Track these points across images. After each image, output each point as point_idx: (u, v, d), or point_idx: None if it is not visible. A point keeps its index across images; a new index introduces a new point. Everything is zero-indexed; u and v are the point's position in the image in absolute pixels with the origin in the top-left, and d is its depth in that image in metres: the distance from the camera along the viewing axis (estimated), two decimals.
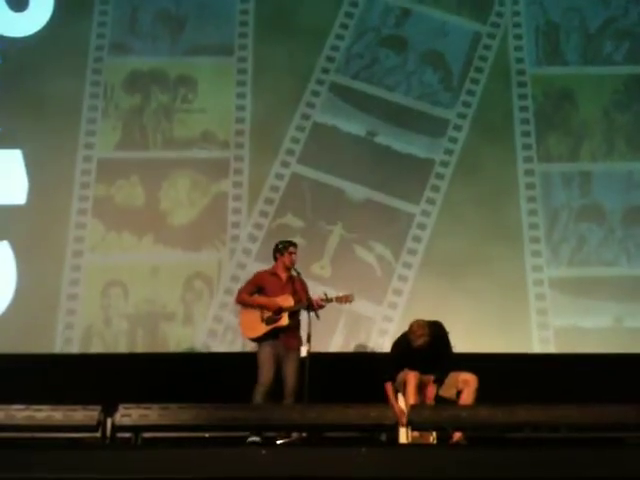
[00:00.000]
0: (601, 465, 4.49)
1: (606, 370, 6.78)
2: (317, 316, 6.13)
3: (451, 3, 8.17)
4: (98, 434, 4.82)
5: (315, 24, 8.05)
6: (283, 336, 6.19)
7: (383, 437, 5.22)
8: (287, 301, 6.22)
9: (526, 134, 7.85)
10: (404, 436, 5.47)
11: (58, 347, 7.17)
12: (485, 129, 7.78)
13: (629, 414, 4.84)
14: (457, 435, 5.51)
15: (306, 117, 7.79)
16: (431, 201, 7.53)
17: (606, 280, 7.38)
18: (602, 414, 4.84)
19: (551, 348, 7.15)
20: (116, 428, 4.83)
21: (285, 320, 6.18)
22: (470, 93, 7.88)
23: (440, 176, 7.61)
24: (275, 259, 6.47)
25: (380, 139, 7.73)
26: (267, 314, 6.19)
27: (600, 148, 7.75)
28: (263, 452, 4.67)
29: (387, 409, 5.15)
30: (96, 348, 7.26)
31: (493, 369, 6.34)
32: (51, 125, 7.67)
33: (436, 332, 6.07)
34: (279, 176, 7.62)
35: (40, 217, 7.46)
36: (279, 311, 6.17)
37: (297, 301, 6.23)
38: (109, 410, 4.88)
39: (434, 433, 5.50)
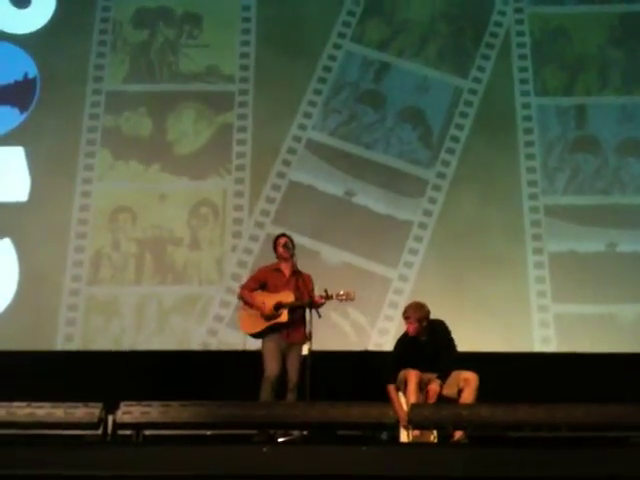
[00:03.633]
0: (603, 464, 4.40)
1: (608, 369, 6.60)
2: (319, 315, 5.91)
3: (431, 57, 7.77)
4: (99, 431, 4.70)
5: (292, 78, 7.73)
6: (285, 331, 5.98)
7: (384, 435, 5.09)
8: (287, 297, 6.00)
9: (523, 69, 7.80)
10: (405, 435, 5.29)
11: (60, 337, 7.12)
12: (465, 189, 7.42)
13: (632, 413, 4.65)
14: (458, 434, 5.29)
15: (281, 175, 7.44)
16: (409, 265, 7.16)
17: (600, 208, 7.40)
18: (604, 413, 4.66)
19: (545, 273, 7.22)
20: (117, 425, 4.69)
21: (285, 316, 5.95)
22: (450, 151, 7.52)
23: (418, 239, 7.28)
24: (275, 254, 6.28)
25: (358, 199, 7.36)
26: (267, 310, 5.99)
27: (595, 82, 7.78)
28: (264, 450, 4.54)
29: (388, 408, 4.93)
30: (105, 272, 7.32)
31: (494, 367, 6.14)
32: (62, 56, 7.82)
33: (437, 328, 5.85)
34: (253, 237, 7.39)
35: (42, 213, 7.40)
36: (278, 307, 5.99)
37: (297, 298, 6.04)
38: (110, 407, 4.71)
39: (435, 432, 5.27)
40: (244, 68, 7.83)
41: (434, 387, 5.61)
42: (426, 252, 7.22)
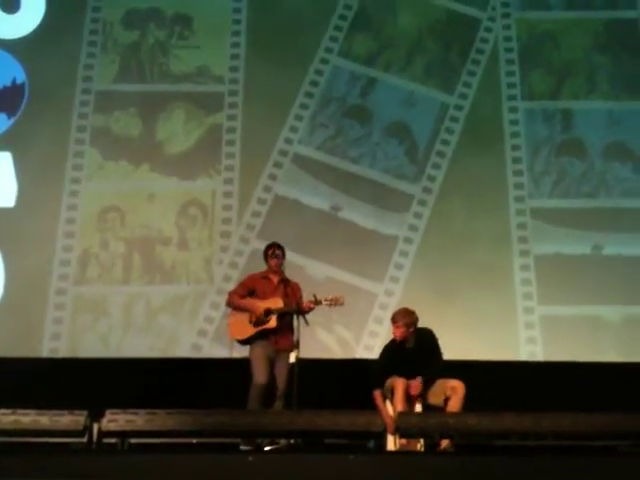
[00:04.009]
0: (589, 473, 4.44)
1: (595, 378, 6.57)
2: (306, 322, 5.87)
3: (417, 72, 7.72)
4: (84, 439, 4.67)
5: (280, 92, 7.67)
6: (273, 337, 5.92)
7: (371, 444, 5.00)
8: (276, 303, 5.95)
9: (511, 74, 7.78)
10: (392, 443, 5.25)
11: (47, 335, 7.07)
12: (451, 203, 7.37)
13: (618, 422, 4.69)
14: (444, 442, 5.25)
15: (268, 189, 7.37)
16: (395, 280, 7.07)
17: (586, 211, 7.39)
18: (591, 422, 4.68)
19: (531, 275, 7.20)
20: (102, 433, 4.67)
21: (273, 322, 5.89)
22: (436, 167, 7.46)
23: (404, 253, 7.20)
24: (265, 261, 6.23)
25: (344, 214, 7.29)
26: (255, 316, 5.96)
27: (582, 87, 7.78)
28: (250, 458, 4.56)
29: (375, 416, 4.91)
30: (92, 272, 7.25)
31: (481, 376, 6.12)
32: (51, 59, 7.76)
33: (424, 337, 5.79)
34: (239, 252, 7.29)
35: (30, 218, 7.33)
36: (268, 313, 5.93)
37: (286, 304, 5.99)
38: (96, 415, 4.69)
39: (422, 440, 5.23)
40: (234, 69, 7.83)
41: (416, 383, 5.60)
42: (412, 267, 7.12)
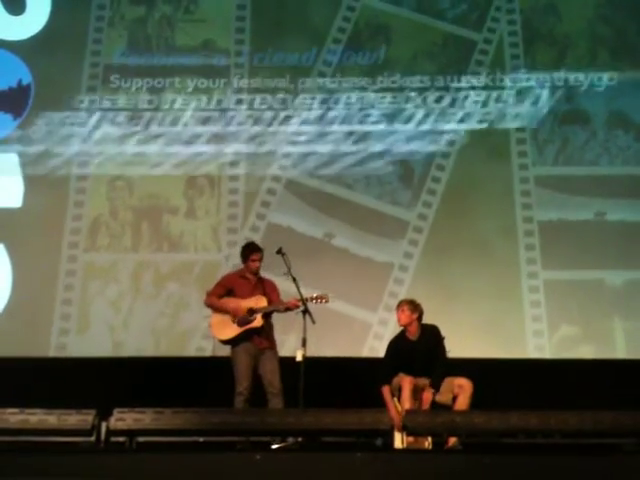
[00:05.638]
0: (596, 471, 4.36)
1: (601, 376, 6.53)
2: (312, 321, 5.73)
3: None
4: (92, 438, 4.65)
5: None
6: (256, 337, 5.81)
7: (378, 442, 4.96)
8: (260, 302, 5.83)
9: (514, 45, 7.77)
10: (399, 441, 5.18)
11: (58, 302, 7.18)
12: (447, 231, 7.20)
13: (625, 420, 4.63)
14: (452, 440, 5.22)
15: (261, 217, 7.25)
16: (389, 309, 6.70)
17: (588, 178, 7.41)
18: (597, 420, 4.61)
19: (535, 240, 7.24)
20: (110, 432, 4.64)
21: (259, 321, 5.78)
22: (431, 192, 7.33)
23: (399, 281, 7.04)
24: (243, 262, 6.13)
25: (337, 241, 7.10)
26: (239, 315, 5.84)
27: (584, 57, 7.76)
28: (258, 457, 4.48)
29: (382, 414, 4.82)
30: (103, 240, 7.32)
31: (489, 374, 6.09)
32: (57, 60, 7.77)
33: (429, 332, 5.76)
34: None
35: (36, 219, 7.35)
36: (252, 312, 5.83)
37: (270, 302, 5.88)
38: (103, 414, 4.65)
39: (429, 438, 5.21)
40: (239, 42, 7.85)
41: (427, 395, 5.62)
42: (407, 295, 6.67)
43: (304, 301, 5.79)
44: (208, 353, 6.95)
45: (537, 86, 7.65)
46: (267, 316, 5.89)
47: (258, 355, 5.85)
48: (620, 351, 6.95)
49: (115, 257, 7.31)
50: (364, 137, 7.51)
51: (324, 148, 7.47)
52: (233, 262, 6.86)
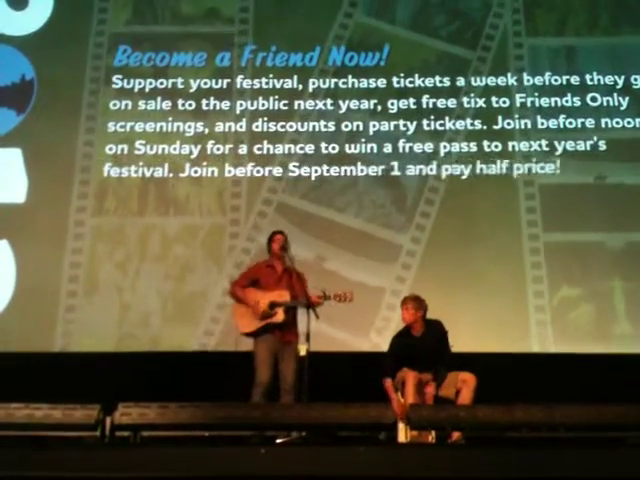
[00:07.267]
0: (600, 465, 4.41)
1: (606, 369, 6.53)
2: (316, 316, 5.69)
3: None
4: (97, 433, 4.60)
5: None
6: (279, 331, 5.74)
7: (382, 436, 4.97)
8: (283, 296, 5.75)
9: (516, 11, 7.83)
10: (403, 435, 5.15)
11: (66, 266, 7.27)
12: (441, 254, 7.06)
13: (629, 414, 4.59)
14: (456, 434, 5.23)
15: (251, 240, 7.14)
16: (382, 334, 6.71)
17: (589, 142, 7.47)
18: (602, 414, 4.57)
19: (536, 203, 7.31)
20: (115, 427, 4.60)
21: (280, 316, 5.71)
22: (424, 215, 7.25)
23: (391, 307, 6.81)
24: (269, 251, 6.09)
25: (329, 264, 6.97)
26: (262, 308, 5.82)
27: (584, 24, 7.85)
28: (262, 451, 4.42)
29: (386, 408, 4.75)
30: (109, 204, 7.45)
31: (492, 368, 6.07)
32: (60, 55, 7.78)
33: (433, 327, 5.75)
34: (220, 306, 7.05)
35: (39, 214, 7.36)
36: (273, 306, 5.78)
37: (293, 297, 5.81)
38: (108, 409, 4.59)
39: (433, 432, 5.18)
40: (244, 10, 7.92)
41: (430, 389, 5.64)
42: (400, 320, 6.43)
43: (326, 298, 5.74)
44: (220, 325, 7.02)
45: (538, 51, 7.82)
46: (290, 310, 5.80)
47: (280, 349, 5.78)
48: (620, 313, 7.02)
49: (122, 221, 7.40)
50: (356, 159, 7.43)
51: (315, 170, 7.46)
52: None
